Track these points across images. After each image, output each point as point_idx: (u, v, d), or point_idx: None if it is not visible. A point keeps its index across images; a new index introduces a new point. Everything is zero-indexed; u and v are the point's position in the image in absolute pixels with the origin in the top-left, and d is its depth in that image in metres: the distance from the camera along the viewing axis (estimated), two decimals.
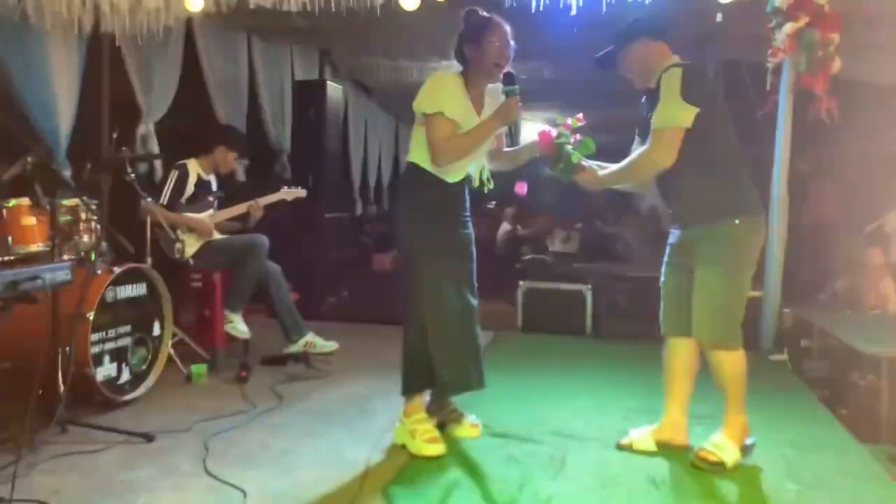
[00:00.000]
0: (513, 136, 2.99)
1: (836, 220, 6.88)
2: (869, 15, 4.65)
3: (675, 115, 2.77)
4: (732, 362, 2.89)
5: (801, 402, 3.89)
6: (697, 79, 2.84)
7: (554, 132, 2.94)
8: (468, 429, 3.17)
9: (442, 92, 2.88)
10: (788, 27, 4.41)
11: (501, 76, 2.93)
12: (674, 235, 3.06)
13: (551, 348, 4.97)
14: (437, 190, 2.96)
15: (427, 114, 2.87)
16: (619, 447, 3.09)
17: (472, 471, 2.81)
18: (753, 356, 4.68)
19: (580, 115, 2.97)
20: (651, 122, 2.85)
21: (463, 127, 2.90)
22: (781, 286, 4.88)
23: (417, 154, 2.97)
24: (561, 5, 4.30)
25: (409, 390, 3.06)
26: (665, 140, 2.80)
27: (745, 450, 2.94)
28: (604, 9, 4.28)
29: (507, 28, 2.93)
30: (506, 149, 3.11)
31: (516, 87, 2.90)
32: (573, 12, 4.29)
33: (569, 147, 2.93)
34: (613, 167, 3.00)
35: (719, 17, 4.66)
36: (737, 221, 2.83)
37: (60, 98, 4.80)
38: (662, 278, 3.13)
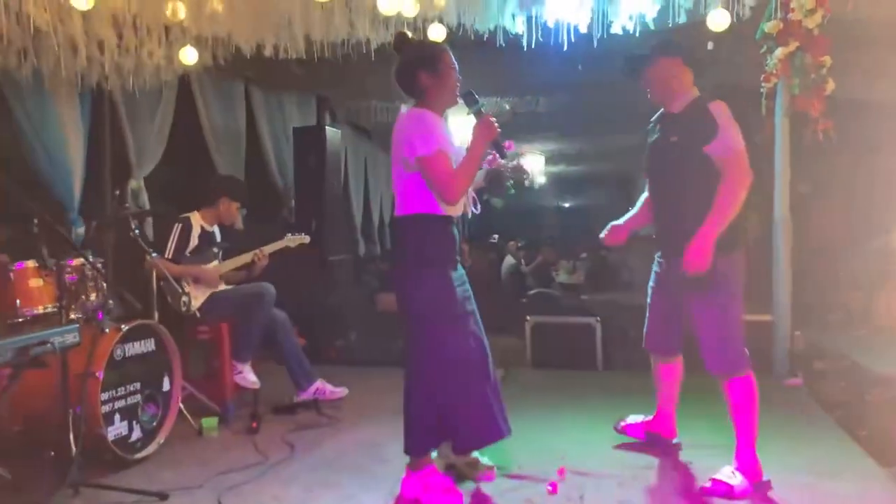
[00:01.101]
0: (500, 151, 2.98)
1: (841, 238, 6.87)
2: (862, 35, 4.69)
3: (740, 139, 2.95)
4: (743, 387, 2.98)
5: (819, 426, 3.85)
6: None
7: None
8: (483, 472, 3.11)
9: (432, 129, 2.81)
10: (779, 52, 4.46)
11: (462, 98, 2.91)
12: (664, 264, 3.22)
13: (563, 383, 4.93)
14: (443, 234, 2.89)
15: (424, 156, 2.77)
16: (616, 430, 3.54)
17: None
18: (767, 382, 4.67)
19: (509, 142, 3.04)
20: (711, 151, 2.93)
21: (453, 158, 2.85)
22: (791, 309, 4.86)
23: (419, 202, 2.84)
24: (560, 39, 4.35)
25: (418, 451, 2.95)
26: (744, 163, 2.92)
27: (759, 487, 2.90)
28: (595, 44, 4.34)
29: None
30: None
31: (482, 103, 2.91)
32: (565, 48, 4.34)
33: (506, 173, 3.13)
34: (706, 225, 2.90)
35: (710, 45, 4.71)
36: (733, 255, 2.96)
37: (71, 157, 4.88)
38: (649, 300, 3.30)
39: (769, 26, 4.44)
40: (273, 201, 7.36)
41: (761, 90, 4.72)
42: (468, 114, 2.91)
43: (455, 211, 2.93)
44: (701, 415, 3.99)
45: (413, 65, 2.89)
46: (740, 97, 5.83)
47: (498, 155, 3.01)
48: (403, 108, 2.97)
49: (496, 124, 2.85)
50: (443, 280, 2.87)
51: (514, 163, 3.07)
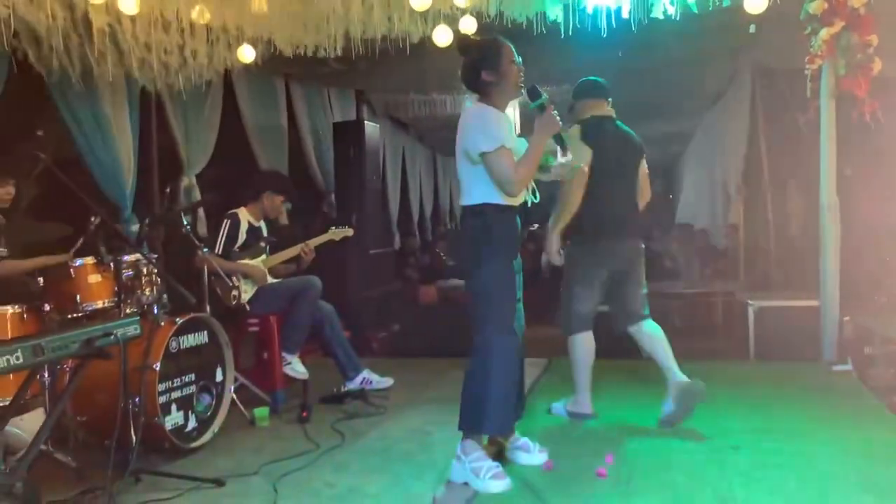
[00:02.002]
0: (563, 145, 3.04)
1: (889, 221, 6.71)
2: None
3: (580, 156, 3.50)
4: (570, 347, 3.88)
5: (870, 411, 3.80)
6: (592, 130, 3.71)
7: None
8: (535, 456, 3.18)
9: (495, 125, 2.92)
10: (824, 33, 4.39)
11: (526, 93, 2.99)
12: None
13: (606, 372, 4.89)
14: (506, 222, 3.00)
15: (487, 151, 2.88)
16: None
17: (539, 500, 2.81)
18: (816, 367, 4.63)
19: None
20: None
21: (514, 152, 2.96)
22: (839, 294, 4.79)
23: (483, 192, 2.96)
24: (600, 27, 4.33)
25: (474, 428, 3.03)
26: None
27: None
28: (634, 29, 4.31)
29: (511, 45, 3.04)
30: None
31: (545, 97, 2.97)
32: (604, 34, 4.32)
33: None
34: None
35: (752, 29, 4.65)
36: (568, 242, 3.76)
37: (122, 157, 5.02)
38: None
39: (813, 6, 4.37)
40: (314, 196, 7.47)
41: (806, 72, 4.64)
42: (531, 108, 2.99)
43: (517, 201, 3.03)
44: (754, 401, 3.99)
45: (475, 64, 3.01)
46: (785, 79, 5.75)
47: (560, 149, 3.07)
48: (469, 103, 3.09)
49: (558, 121, 2.94)
50: (504, 267, 2.98)
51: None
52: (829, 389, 4.19)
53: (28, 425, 3.20)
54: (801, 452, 3.17)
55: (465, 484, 2.94)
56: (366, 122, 7.15)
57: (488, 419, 2.96)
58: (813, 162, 4.95)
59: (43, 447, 2.98)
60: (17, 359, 2.08)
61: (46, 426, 2.51)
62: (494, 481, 2.89)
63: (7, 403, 3.00)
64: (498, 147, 2.88)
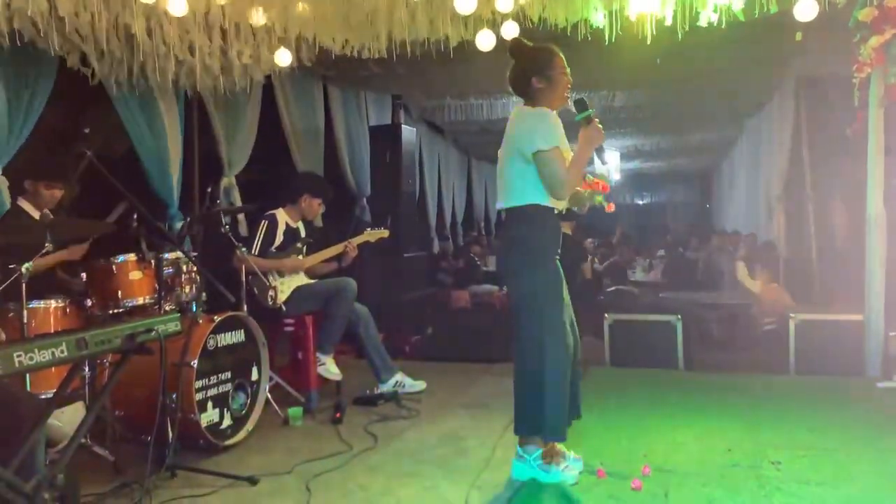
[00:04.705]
0: (601, 156, 3.12)
1: None
2: None
3: None
4: None
5: None
6: None
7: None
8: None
9: (552, 126, 2.93)
10: (874, 40, 4.29)
11: (573, 104, 3.00)
12: None
13: (643, 383, 4.83)
14: (550, 224, 3.02)
15: (542, 150, 2.89)
16: None
17: None
18: (859, 384, 4.52)
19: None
20: None
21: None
22: (885, 308, 4.67)
23: (532, 193, 2.97)
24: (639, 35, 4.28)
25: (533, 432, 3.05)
26: None
27: None
28: (680, 38, 4.25)
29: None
30: None
31: (591, 110, 2.99)
32: (648, 42, 4.27)
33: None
34: None
35: (798, 37, 4.56)
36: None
37: (171, 157, 5.15)
38: None
39: (863, 14, 4.28)
40: (347, 199, 7.51)
41: (854, 80, 4.54)
42: (577, 119, 2.99)
43: (560, 205, 3.05)
44: (796, 416, 3.91)
45: (526, 71, 3.03)
46: (830, 87, 5.64)
47: (599, 159, 3.16)
48: (516, 106, 3.11)
49: (602, 133, 2.97)
50: (551, 268, 3.00)
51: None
52: (874, 406, 4.08)
53: (67, 418, 3.27)
54: (842, 470, 3.08)
55: (533, 480, 2.99)
56: (403, 126, 7.18)
57: (546, 424, 2.97)
58: (859, 172, 4.84)
59: (82, 440, 3.03)
60: (62, 352, 2.10)
61: (87, 420, 2.55)
62: (567, 472, 2.97)
63: (50, 396, 3.05)
64: (553, 147, 2.89)
